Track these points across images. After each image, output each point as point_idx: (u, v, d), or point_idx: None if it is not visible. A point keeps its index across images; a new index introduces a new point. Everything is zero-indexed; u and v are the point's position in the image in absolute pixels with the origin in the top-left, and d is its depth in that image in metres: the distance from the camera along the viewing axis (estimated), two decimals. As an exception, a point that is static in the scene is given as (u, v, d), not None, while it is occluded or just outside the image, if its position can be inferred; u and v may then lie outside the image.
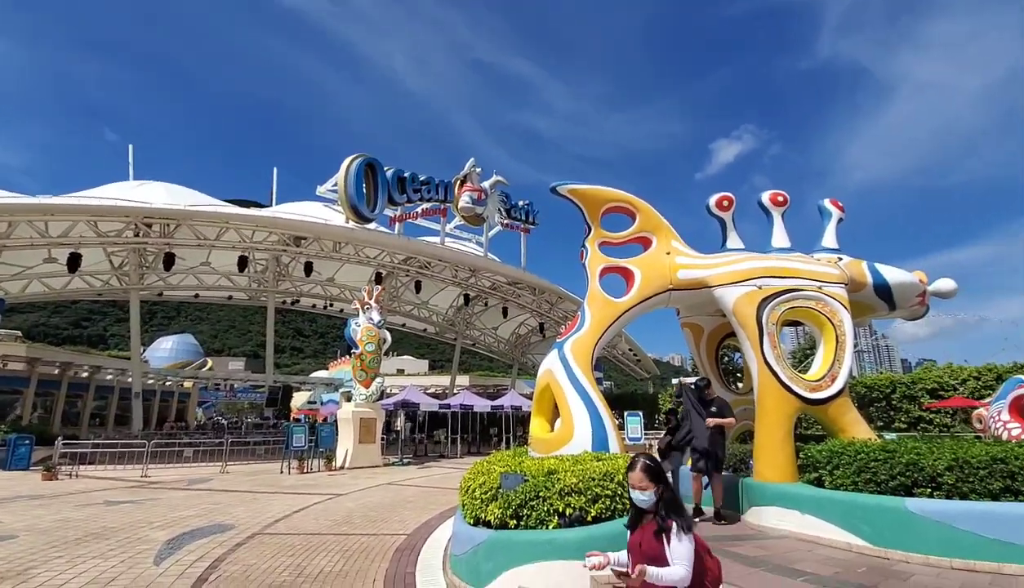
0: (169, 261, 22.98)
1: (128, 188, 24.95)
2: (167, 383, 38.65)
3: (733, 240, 8.95)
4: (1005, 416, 8.67)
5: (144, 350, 51.69)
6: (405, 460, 20.51)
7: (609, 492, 5.26)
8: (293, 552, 6.62)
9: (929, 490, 5.45)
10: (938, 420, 21.42)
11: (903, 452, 5.74)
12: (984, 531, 4.96)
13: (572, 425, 7.30)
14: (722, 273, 8.00)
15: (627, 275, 8.50)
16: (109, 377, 32.69)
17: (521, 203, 28.03)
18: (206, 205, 24.15)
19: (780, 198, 8.91)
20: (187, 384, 41.27)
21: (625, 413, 24.67)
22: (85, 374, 31.00)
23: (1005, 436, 8.24)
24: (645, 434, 24.83)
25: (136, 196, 23.07)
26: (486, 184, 25.82)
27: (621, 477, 5.41)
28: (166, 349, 59.82)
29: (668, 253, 8.45)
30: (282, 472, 16.34)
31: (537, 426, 8.11)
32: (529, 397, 28.16)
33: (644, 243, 8.73)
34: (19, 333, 38.57)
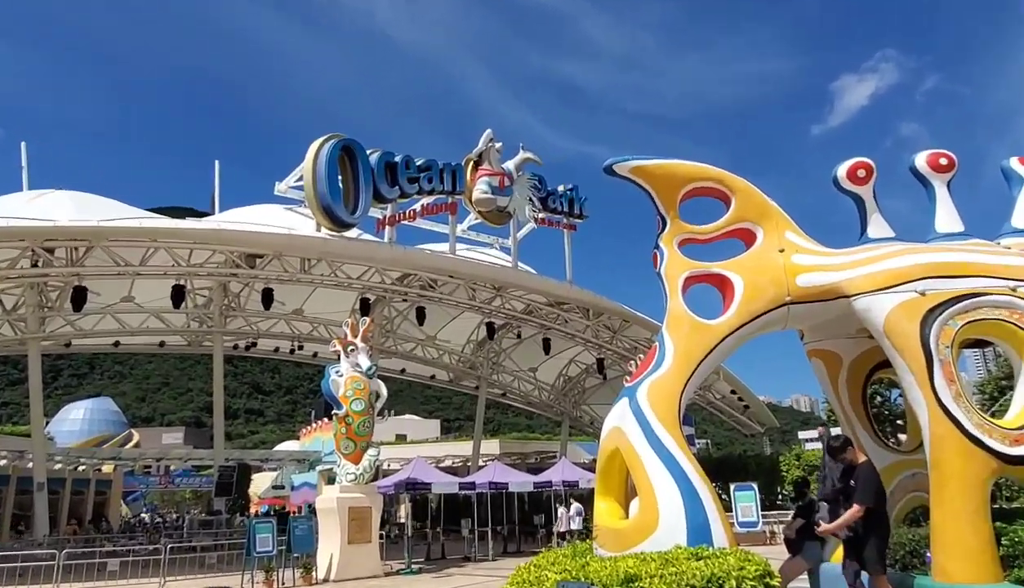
0: (79, 297, 23.49)
1: (23, 201, 25.85)
2: (80, 467, 39.44)
3: (877, 226, 8.90)
4: None
5: (48, 423, 53.20)
6: (415, 566, 20.53)
7: (718, 605, 5.19)
8: None
9: None
10: None
11: None
12: None
13: (655, 507, 7.32)
14: (865, 275, 7.99)
15: (724, 285, 8.57)
16: (3, 463, 33.37)
17: (562, 188, 28.27)
18: (127, 218, 24.85)
19: (943, 161, 8.81)
20: (107, 468, 41.94)
21: (731, 486, 24.34)
22: (-32, 460, 31.57)
23: None
24: (763, 516, 24.42)
25: (34, 211, 23.75)
26: (510, 164, 26.05)
27: (734, 583, 5.33)
28: (77, 420, 61.16)
29: (782, 250, 8.50)
30: (243, 588, 16.56)
31: (605, 511, 8.10)
32: (587, 467, 27.88)
33: (745, 238, 8.82)
34: None
